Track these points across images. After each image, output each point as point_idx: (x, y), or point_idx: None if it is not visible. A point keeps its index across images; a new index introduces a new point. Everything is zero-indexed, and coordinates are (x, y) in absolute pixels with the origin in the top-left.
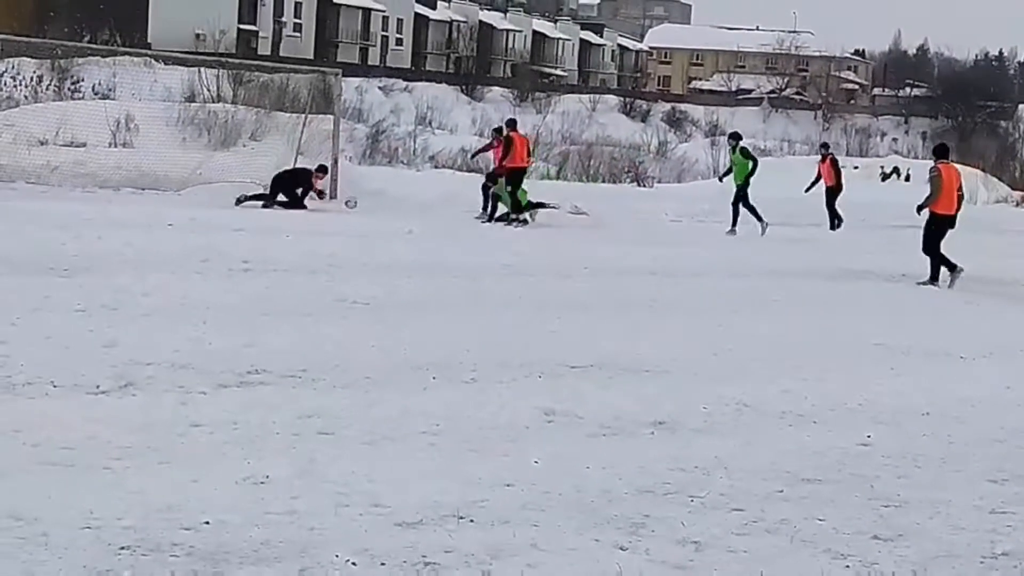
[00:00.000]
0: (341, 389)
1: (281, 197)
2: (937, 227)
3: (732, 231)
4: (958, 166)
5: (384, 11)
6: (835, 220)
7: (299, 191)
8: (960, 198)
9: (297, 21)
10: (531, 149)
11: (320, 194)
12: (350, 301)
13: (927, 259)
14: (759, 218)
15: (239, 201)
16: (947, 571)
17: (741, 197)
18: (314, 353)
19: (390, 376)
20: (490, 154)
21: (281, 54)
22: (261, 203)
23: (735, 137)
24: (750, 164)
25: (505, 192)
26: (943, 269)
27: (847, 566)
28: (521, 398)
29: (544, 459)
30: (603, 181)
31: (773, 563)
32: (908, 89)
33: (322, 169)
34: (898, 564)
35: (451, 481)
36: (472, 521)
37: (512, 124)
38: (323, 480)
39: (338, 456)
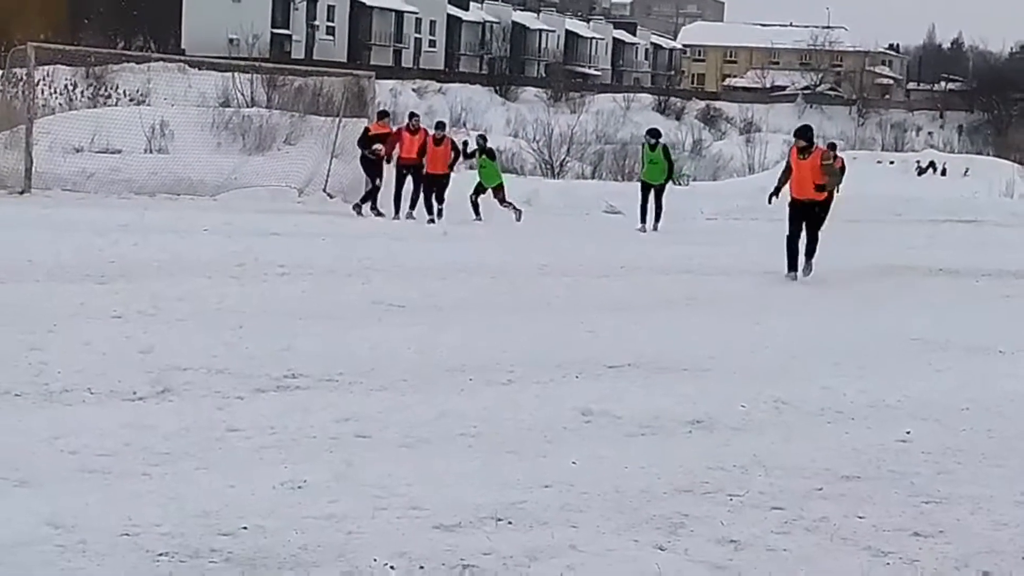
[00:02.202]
0: (378, 392)
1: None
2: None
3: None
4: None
5: (417, 13)
6: None
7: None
8: (820, 184)
9: (330, 24)
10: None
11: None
12: (386, 304)
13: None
14: (644, 218)
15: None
16: (989, 567)
17: (659, 194)
18: (350, 356)
19: (427, 378)
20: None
21: (315, 57)
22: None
23: (655, 134)
24: (666, 165)
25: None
26: (812, 259)
27: (888, 563)
28: (559, 399)
29: (582, 460)
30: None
31: (813, 562)
32: (943, 83)
33: (382, 115)
34: (939, 561)
35: (489, 483)
36: (510, 523)
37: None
38: (361, 483)
39: (375, 459)
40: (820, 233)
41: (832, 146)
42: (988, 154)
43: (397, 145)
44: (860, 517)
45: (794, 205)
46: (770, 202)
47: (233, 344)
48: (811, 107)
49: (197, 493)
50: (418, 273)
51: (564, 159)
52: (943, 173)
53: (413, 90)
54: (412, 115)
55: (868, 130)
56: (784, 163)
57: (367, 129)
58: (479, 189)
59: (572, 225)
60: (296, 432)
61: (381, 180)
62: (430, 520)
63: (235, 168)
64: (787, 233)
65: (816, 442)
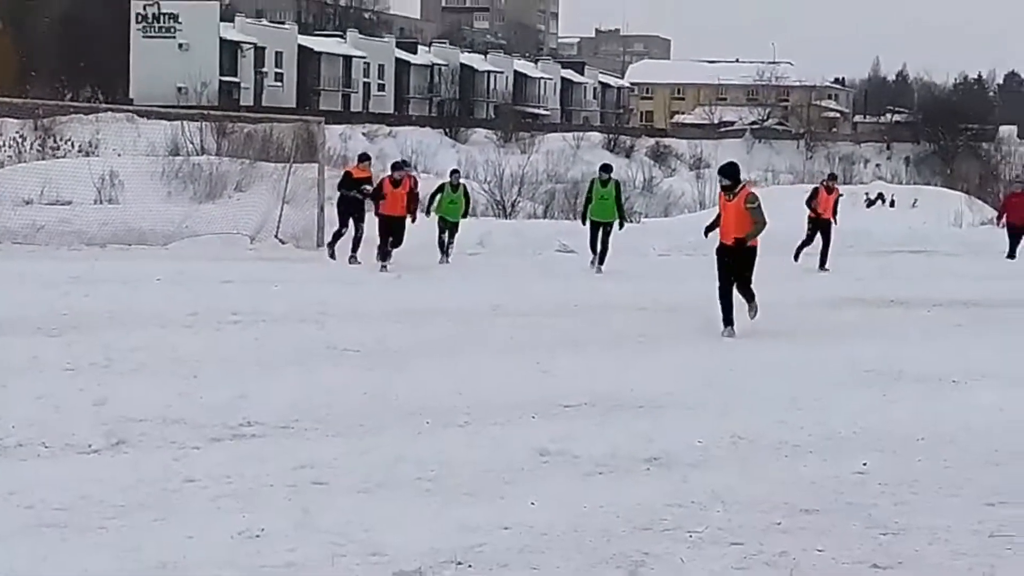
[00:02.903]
0: (334, 438)
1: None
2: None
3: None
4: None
5: (365, 57)
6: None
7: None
8: (741, 227)
9: (278, 71)
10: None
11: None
12: (341, 349)
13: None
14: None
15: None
16: None
17: (608, 232)
18: (306, 403)
19: (383, 423)
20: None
21: (264, 104)
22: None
23: (608, 170)
24: (616, 203)
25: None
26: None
27: None
28: (515, 439)
29: (541, 500)
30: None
31: None
32: (889, 115)
33: (363, 157)
34: None
35: (448, 526)
36: (470, 567)
37: (396, 166)
38: (319, 531)
39: (333, 506)
40: (752, 277)
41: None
42: (936, 185)
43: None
44: (819, 550)
45: (720, 250)
46: (705, 235)
47: (188, 394)
48: (759, 142)
49: (154, 545)
50: (372, 317)
51: (516, 199)
52: (892, 204)
53: (363, 134)
54: (396, 165)
55: (816, 163)
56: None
57: (348, 173)
58: (446, 226)
59: (525, 265)
60: (253, 480)
61: (363, 225)
62: (390, 566)
63: (186, 216)
64: (717, 284)
65: (774, 476)
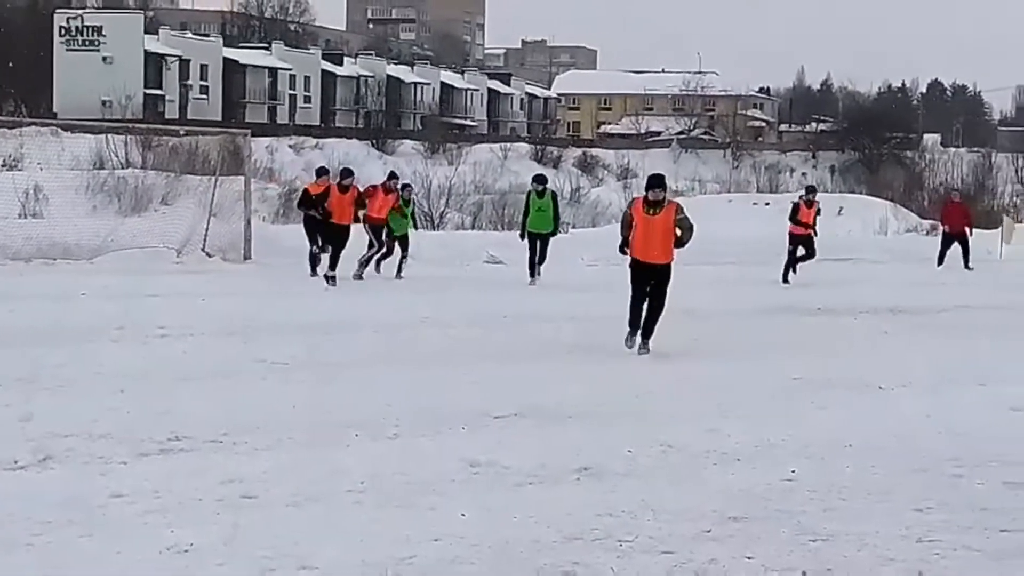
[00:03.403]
0: (263, 452)
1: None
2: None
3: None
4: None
5: (291, 69)
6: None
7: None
8: (667, 245)
9: (203, 83)
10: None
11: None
12: (269, 362)
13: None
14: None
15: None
16: None
17: (546, 244)
18: (234, 417)
19: (312, 436)
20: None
21: (189, 117)
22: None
23: (542, 181)
24: (553, 214)
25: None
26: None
27: None
28: (445, 451)
29: (471, 511)
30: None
31: None
32: (814, 124)
33: (321, 172)
34: None
35: (378, 539)
36: None
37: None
38: (248, 545)
39: (263, 520)
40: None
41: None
42: (861, 193)
43: (368, 202)
44: (749, 558)
45: (637, 267)
46: (624, 253)
47: (115, 408)
48: (686, 151)
49: (82, 561)
50: (301, 330)
51: (443, 210)
52: (818, 213)
53: (290, 146)
54: (392, 175)
55: (743, 172)
56: (624, 215)
57: (306, 190)
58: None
59: (454, 276)
60: (181, 495)
61: (323, 243)
62: None
63: (111, 230)
64: (631, 294)
65: (703, 484)
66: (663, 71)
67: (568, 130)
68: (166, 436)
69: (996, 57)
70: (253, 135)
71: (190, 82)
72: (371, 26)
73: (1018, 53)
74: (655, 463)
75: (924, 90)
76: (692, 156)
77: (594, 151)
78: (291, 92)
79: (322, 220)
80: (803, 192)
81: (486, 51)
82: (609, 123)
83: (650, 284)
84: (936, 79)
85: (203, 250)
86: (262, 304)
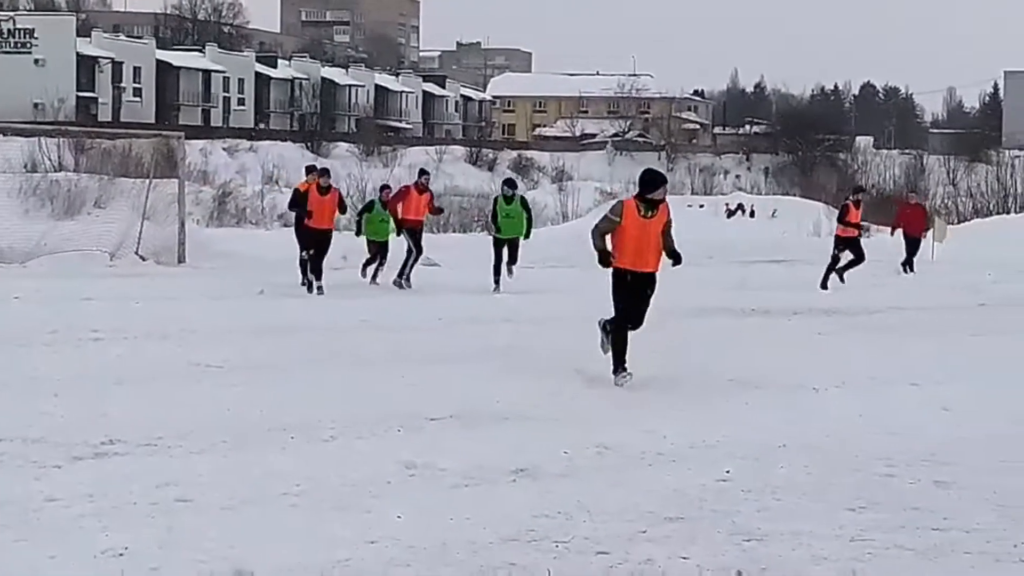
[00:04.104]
0: (198, 455)
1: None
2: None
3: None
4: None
5: (224, 72)
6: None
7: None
8: (659, 251)
9: (136, 86)
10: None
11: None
12: (203, 365)
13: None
14: (498, 279)
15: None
16: None
17: (515, 248)
18: (169, 420)
19: (248, 439)
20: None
21: (122, 119)
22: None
23: (512, 185)
24: (525, 217)
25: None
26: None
27: None
28: (382, 453)
29: (407, 513)
30: (453, 231)
31: None
32: (748, 126)
33: (310, 170)
34: None
35: (315, 541)
36: None
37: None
38: (184, 548)
39: (198, 523)
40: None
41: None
42: (795, 195)
43: (401, 204)
44: (684, 558)
45: (631, 279)
46: (607, 265)
47: (49, 412)
48: (621, 154)
49: (16, 565)
50: (236, 333)
51: None
52: (752, 215)
53: (223, 149)
54: (423, 172)
55: (677, 175)
56: (604, 217)
57: (296, 189)
58: (377, 248)
59: (390, 279)
60: (116, 499)
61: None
62: None
63: (44, 234)
64: (620, 312)
65: (639, 485)
66: (598, 73)
67: (503, 132)
68: (100, 440)
69: (928, 60)
70: (187, 138)
71: (123, 84)
72: (305, 28)
73: (949, 56)
74: (591, 464)
75: (857, 92)
76: (627, 159)
77: (529, 153)
78: (225, 94)
79: (301, 223)
80: (851, 193)
81: (421, 53)
82: (544, 125)
83: (643, 296)
84: (868, 82)
85: (137, 253)
86: (196, 307)
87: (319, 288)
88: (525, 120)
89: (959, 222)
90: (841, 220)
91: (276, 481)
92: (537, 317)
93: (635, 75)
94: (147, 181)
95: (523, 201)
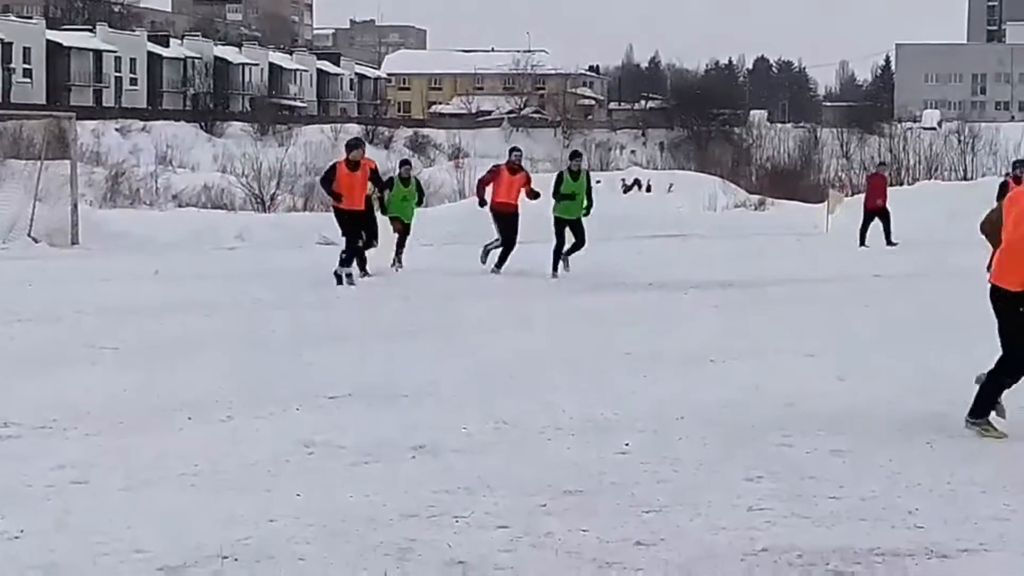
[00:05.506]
0: (95, 437)
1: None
2: None
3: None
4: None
5: (116, 51)
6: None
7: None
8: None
9: (27, 67)
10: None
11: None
12: (98, 347)
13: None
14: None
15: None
16: (709, 571)
17: (580, 227)
18: (64, 402)
19: (144, 420)
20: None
21: (12, 101)
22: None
23: (578, 156)
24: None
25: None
26: None
27: (612, 574)
28: (280, 432)
29: (306, 491)
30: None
31: None
32: (643, 102)
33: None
34: (662, 569)
35: (213, 521)
36: (236, 560)
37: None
38: (81, 531)
39: (95, 505)
40: None
41: (1019, 163)
42: (691, 169)
43: (491, 186)
44: (584, 530)
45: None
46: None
47: None
48: (517, 130)
49: None
50: (131, 314)
51: (274, 192)
52: (648, 190)
53: (116, 130)
54: (513, 149)
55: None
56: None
57: (334, 165)
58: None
59: (287, 258)
60: (11, 481)
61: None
62: (154, 562)
63: None
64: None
65: (539, 459)
66: (493, 50)
67: (399, 110)
68: None
69: (820, 34)
70: (79, 118)
71: (13, 66)
72: (197, 7)
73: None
74: (491, 439)
75: (751, 67)
76: (523, 135)
77: (425, 131)
78: (117, 74)
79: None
80: (1011, 168)
81: (315, 32)
82: (440, 103)
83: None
84: (762, 56)
85: (29, 235)
86: (91, 289)
87: (348, 277)
88: (421, 97)
89: (852, 194)
90: (1000, 198)
91: (174, 462)
92: (436, 293)
93: (530, 51)
94: (39, 163)
95: (588, 177)
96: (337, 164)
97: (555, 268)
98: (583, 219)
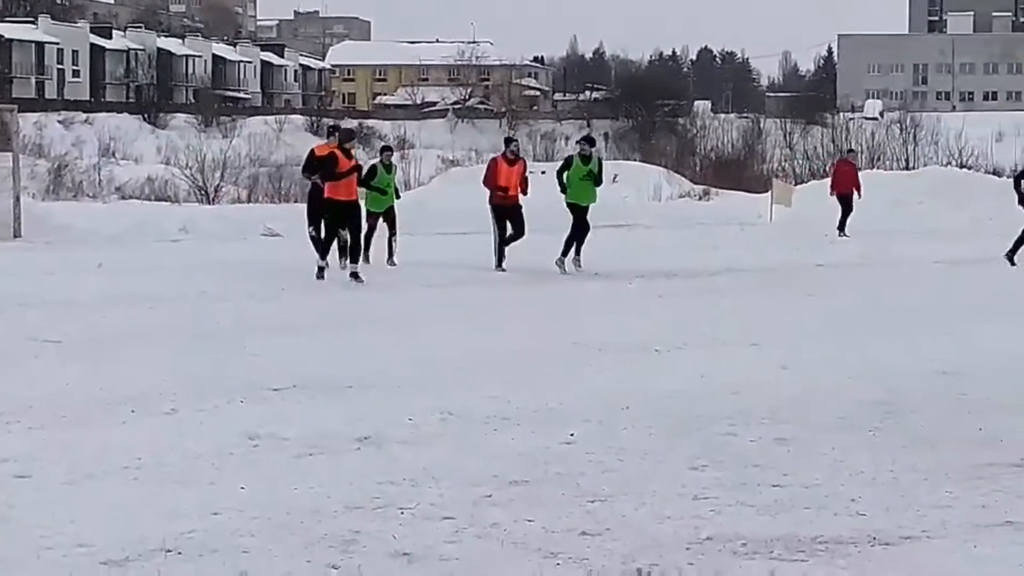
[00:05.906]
0: (37, 430)
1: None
2: None
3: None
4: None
5: (58, 43)
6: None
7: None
8: None
9: None
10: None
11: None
12: (41, 340)
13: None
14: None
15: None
16: (654, 560)
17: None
18: (6, 396)
19: (87, 413)
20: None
21: None
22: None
23: (592, 142)
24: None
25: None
26: None
27: (558, 564)
28: (224, 425)
29: (251, 484)
30: (296, 201)
31: (485, 568)
32: (588, 92)
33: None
34: (607, 558)
35: (157, 515)
36: (180, 553)
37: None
38: (23, 525)
39: (38, 499)
40: None
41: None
42: (635, 160)
43: (491, 179)
44: (529, 520)
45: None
46: None
47: None
48: (462, 122)
49: None
50: (73, 307)
51: (219, 184)
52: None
53: (59, 122)
54: (509, 140)
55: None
56: None
57: (312, 151)
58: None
59: (231, 250)
60: None
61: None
62: (97, 556)
63: None
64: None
65: (484, 450)
66: (437, 41)
67: (343, 101)
68: None
69: (763, 25)
70: (21, 111)
71: None
72: None
73: (784, 21)
74: (436, 430)
75: (694, 58)
76: (469, 126)
77: (370, 122)
78: (59, 66)
79: (320, 193)
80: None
81: (258, 23)
82: (385, 94)
83: None
84: (706, 47)
85: None
86: (33, 282)
87: (355, 275)
88: (365, 89)
89: (796, 184)
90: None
91: (117, 455)
92: (381, 284)
93: (475, 43)
94: None
95: (600, 163)
96: (335, 153)
97: (564, 255)
98: (521, 209)
